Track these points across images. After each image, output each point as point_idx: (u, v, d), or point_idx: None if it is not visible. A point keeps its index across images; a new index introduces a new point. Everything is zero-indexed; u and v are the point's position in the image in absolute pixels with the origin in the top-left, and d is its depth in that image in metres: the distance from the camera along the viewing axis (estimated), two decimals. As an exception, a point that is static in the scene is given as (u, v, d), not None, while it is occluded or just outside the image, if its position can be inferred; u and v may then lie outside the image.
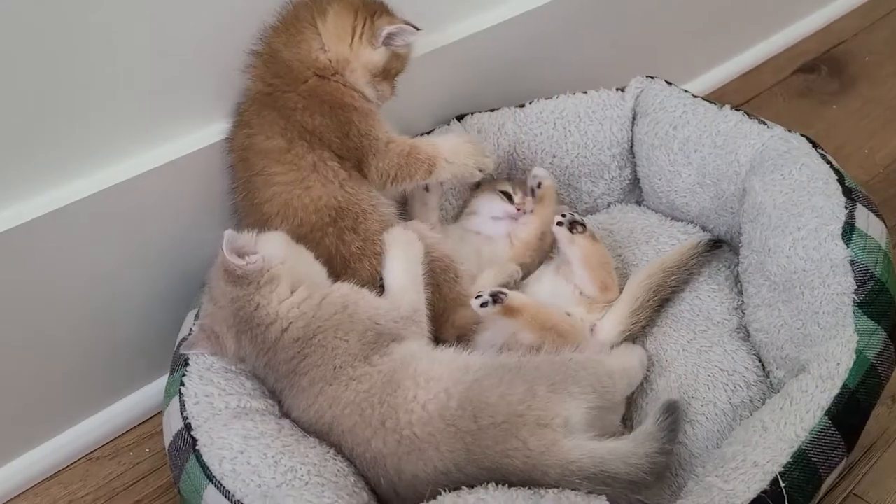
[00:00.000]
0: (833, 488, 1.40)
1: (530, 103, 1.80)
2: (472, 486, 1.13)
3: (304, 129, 1.41)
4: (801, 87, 2.55)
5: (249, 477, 1.14)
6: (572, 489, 1.13)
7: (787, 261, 1.35)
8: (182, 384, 1.29)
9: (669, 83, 1.75)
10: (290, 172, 1.40)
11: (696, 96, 1.70)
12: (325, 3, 1.44)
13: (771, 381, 1.38)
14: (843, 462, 1.16)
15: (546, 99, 1.79)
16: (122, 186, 1.37)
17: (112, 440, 1.55)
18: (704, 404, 1.36)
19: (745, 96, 2.52)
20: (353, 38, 1.44)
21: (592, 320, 1.45)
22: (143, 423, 1.58)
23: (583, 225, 1.50)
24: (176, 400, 1.28)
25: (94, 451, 1.54)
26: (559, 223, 1.50)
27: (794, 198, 1.39)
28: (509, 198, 1.66)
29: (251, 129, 1.43)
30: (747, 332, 1.46)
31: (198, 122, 1.47)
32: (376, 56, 1.46)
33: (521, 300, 1.37)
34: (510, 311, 1.35)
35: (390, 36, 1.45)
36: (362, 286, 1.34)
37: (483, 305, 1.35)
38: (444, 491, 1.12)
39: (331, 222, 1.40)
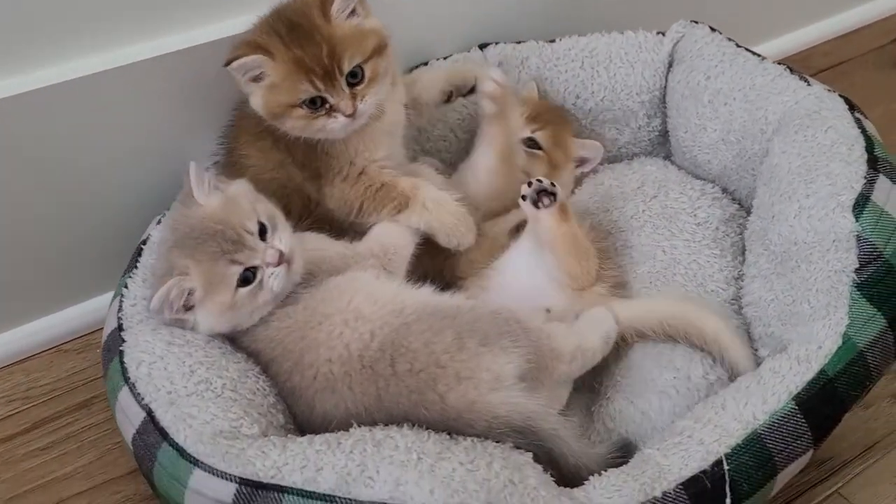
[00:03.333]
0: (816, 484, 1.28)
1: (560, 39, 1.67)
2: (386, 427, 1.07)
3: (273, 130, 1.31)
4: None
5: (161, 383, 1.10)
6: (497, 441, 1.05)
7: (789, 230, 1.21)
8: (125, 286, 1.26)
9: (714, 29, 1.60)
10: (257, 158, 1.34)
11: (739, 46, 1.55)
12: None
13: (757, 361, 1.25)
14: (808, 454, 1.05)
15: (579, 36, 1.67)
16: (116, 72, 1.35)
17: (83, 335, 1.54)
18: (678, 377, 1.23)
19: (832, 61, 2.32)
20: None
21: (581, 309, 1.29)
22: (116, 322, 1.56)
23: (552, 195, 1.28)
24: (118, 300, 1.25)
25: (65, 343, 1.53)
26: (523, 196, 1.29)
27: (811, 162, 1.25)
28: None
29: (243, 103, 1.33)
30: (741, 304, 1.33)
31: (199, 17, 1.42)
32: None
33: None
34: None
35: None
36: None
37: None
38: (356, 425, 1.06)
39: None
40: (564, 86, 1.64)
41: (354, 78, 1.24)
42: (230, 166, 1.37)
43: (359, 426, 1.05)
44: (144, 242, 1.33)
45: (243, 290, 1.13)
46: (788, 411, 1.03)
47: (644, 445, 1.17)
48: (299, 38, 1.21)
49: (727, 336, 1.23)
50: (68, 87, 1.33)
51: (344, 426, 1.06)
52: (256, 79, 1.24)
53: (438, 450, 1.00)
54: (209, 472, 0.99)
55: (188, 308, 1.14)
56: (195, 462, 1.00)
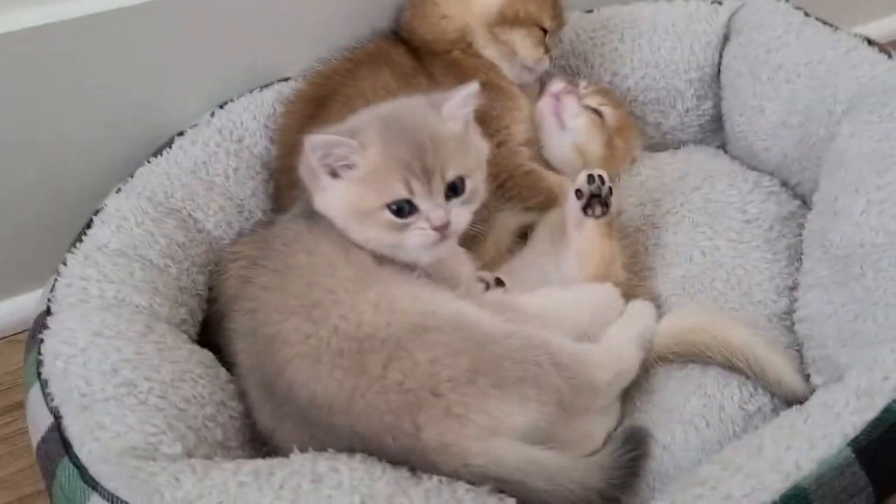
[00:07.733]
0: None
1: (600, 9, 1.49)
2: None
3: None
4: None
5: (76, 382, 0.93)
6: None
7: (853, 229, 1.01)
8: (65, 262, 1.09)
9: (780, -3, 1.38)
10: None
11: (808, 15, 1.33)
12: None
13: (810, 390, 1.03)
14: (870, 516, 0.83)
15: (622, 4, 1.47)
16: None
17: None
18: (708, 405, 1.04)
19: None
20: None
21: None
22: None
23: (605, 206, 1.15)
24: (53, 278, 1.08)
25: (18, 333, 1.39)
26: (577, 191, 1.16)
27: (884, 147, 1.04)
28: None
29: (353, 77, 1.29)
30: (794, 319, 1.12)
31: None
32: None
33: None
34: None
35: None
36: None
37: None
38: (297, 451, 0.89)
39: None
40: (600, 61, 1.46)
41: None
42: None
43: (314, 422, 0.90)
44: (97, 213, 1.17)
45: (385, 215, 0.98)
46: (844, 460, 0.83)
47: (660, 494, 0.96)
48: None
49: (761, 348, 1.03)
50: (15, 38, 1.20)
51: (299, 413, 0.91)
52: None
53: (391, 492, 0.83)
54: (108, 499, 0.82)
55: (334, 174, 0.99)
56: (94, 486, 0.84)
